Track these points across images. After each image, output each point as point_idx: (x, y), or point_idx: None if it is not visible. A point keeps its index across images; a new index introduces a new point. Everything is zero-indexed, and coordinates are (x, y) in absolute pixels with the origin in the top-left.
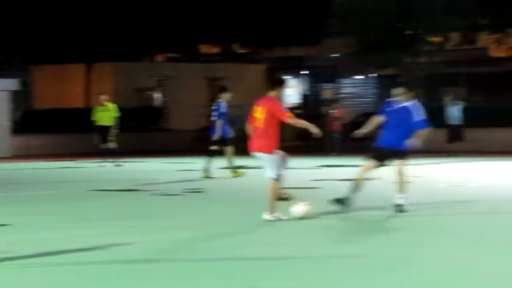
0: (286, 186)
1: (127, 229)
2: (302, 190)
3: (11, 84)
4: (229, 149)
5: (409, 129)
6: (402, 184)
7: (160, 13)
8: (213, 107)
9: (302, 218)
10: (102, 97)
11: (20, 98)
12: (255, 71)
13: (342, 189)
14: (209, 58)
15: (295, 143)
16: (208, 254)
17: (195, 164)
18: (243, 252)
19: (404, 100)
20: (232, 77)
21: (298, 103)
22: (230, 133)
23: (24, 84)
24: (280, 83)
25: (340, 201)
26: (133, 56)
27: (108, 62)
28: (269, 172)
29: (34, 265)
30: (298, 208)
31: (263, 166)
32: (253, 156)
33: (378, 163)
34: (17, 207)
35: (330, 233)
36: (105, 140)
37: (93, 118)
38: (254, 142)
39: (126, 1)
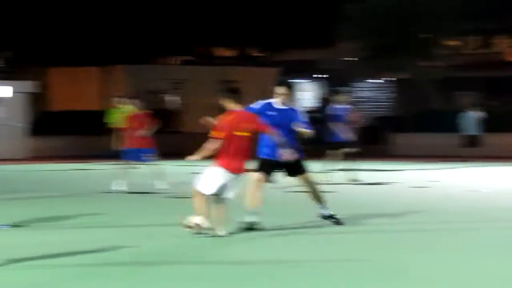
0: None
1: (136, 231)
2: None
3: (27, 86)
4: (334, 153)
5: (294, 134)
6: (318, 195)
7: (175, 16)
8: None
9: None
10: (117, 99)
11: (36, 100)
12: (269, 75)
13: (354, 193)
14: (223, 61)
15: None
16: (211, 257)
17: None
18: (240, 256)
19: (284, 102)
20: (246, 80)
21: (314, 107)
22: (339, 137)
23: (40, 86)
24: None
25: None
26: (147, 59)
27: (122, 65)
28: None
29: (43, 267)
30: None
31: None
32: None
33: (268, 177)
34: (30, 208)
35: (320, 239)
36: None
37: (107, 120)
38: (238, 161)
39: (141, 4)
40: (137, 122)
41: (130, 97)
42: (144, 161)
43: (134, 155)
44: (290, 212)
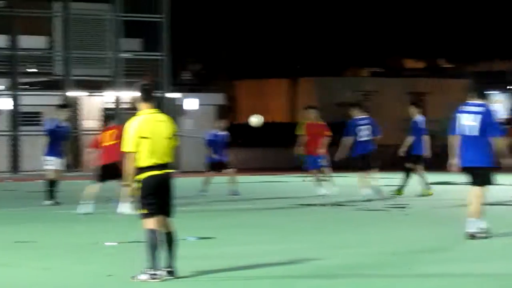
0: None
1: (324, 244)
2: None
3: (217, 98)
4: (421, 166)
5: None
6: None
7: (362, 29)
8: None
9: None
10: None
11: (224, 113)
12: (459, 87)
13: None
14: (413, 73)
15: None
16: (405, 270)
17: (397, 180)
18: (445, 269)
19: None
20: (435, 92)
21: (506, 118)
22: (424, 149)
23: (228, 98)
24: None
25: None
26: (335, 71)
27: (310, 77)
28: None
29: (233, 278)
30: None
31: None
32: None
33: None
34: (220, 220)
35: None
36: None
37: (297, 133)
38: None
39: (328, 18)
40: (314, 131)
41: (309, 107)
42: (318, 167)
43: (311, 162)
44: None
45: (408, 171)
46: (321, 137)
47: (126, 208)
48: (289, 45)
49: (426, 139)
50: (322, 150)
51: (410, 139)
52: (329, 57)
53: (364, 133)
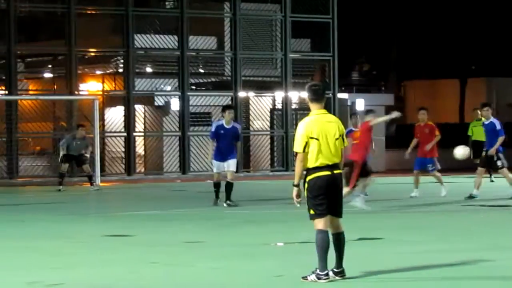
0: None
1: (492, 245)
2: None
3: (386, 99)
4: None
5: None
6: None
7: None
8: None
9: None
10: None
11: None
12: None
13: None
14: None
15: None
16: None
17: None
18: None
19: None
20: None
21: None
22: None
23: (398, 99)
24: None
25: None
26: (508, 71)
27: (481, 78)
28: None
29: (402, 279)
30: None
31: None
32: None
33: None
34: (387, 221)
35: None
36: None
37: (468, 133)
38: None
39: (502, 17)
40: (425, 132)
41: (420, 109)
42: (428, 170)
43: (420, 164)
44: None
45: None
46: (431, 138)
47: (358, 202)
48: (461, 45)
49: None
50: (431, 150)
51: None
52: (502, 57)
53: None
